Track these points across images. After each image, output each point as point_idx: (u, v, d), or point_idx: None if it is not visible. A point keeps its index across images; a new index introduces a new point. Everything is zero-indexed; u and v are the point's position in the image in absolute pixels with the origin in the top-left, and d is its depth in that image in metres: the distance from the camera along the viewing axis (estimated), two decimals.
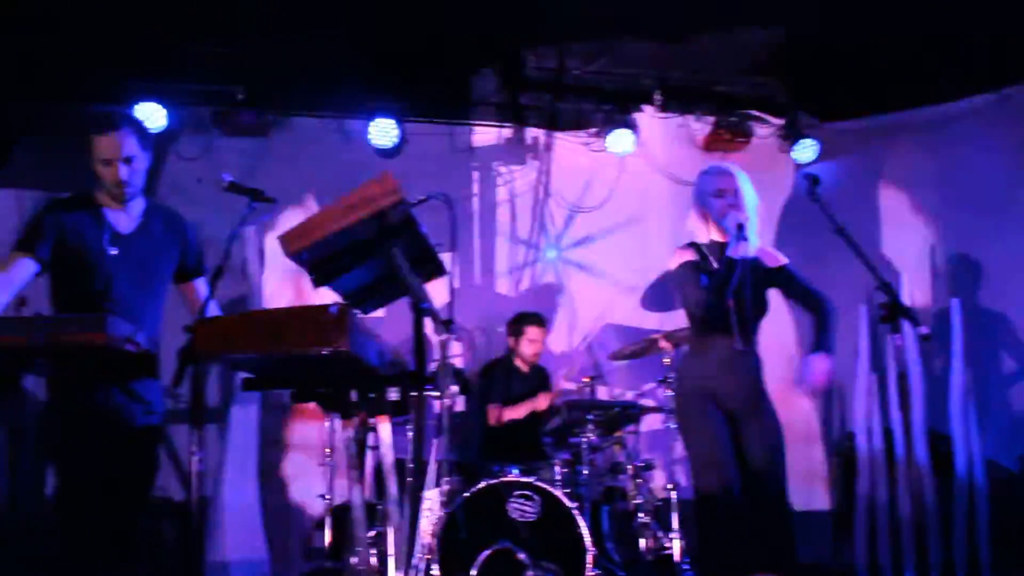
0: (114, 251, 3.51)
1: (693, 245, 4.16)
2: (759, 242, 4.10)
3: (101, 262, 3.49)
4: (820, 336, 4.02)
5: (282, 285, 6.46)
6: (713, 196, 4.06)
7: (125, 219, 3.62)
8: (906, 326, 3.36)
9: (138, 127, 3.56)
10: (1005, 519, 5.74)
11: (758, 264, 4.10)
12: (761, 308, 4.11)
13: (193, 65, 6.32)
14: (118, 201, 3.58)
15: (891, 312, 3.28)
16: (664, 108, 7.05)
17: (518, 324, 6.28)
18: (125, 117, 3.58)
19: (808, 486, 6.61)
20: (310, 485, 6.38)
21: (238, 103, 6.38)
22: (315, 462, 6.28)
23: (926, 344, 5.84)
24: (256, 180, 6.46)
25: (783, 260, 4.20)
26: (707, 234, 4.14)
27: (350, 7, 5.84)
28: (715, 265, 4.01)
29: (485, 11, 5.95)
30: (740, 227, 3.89)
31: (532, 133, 7.11)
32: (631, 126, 6.86)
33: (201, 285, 3.84)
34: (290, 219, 5.14)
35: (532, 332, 6.23)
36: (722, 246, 3.99)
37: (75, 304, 3.46)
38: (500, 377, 6.18)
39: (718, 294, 3.89)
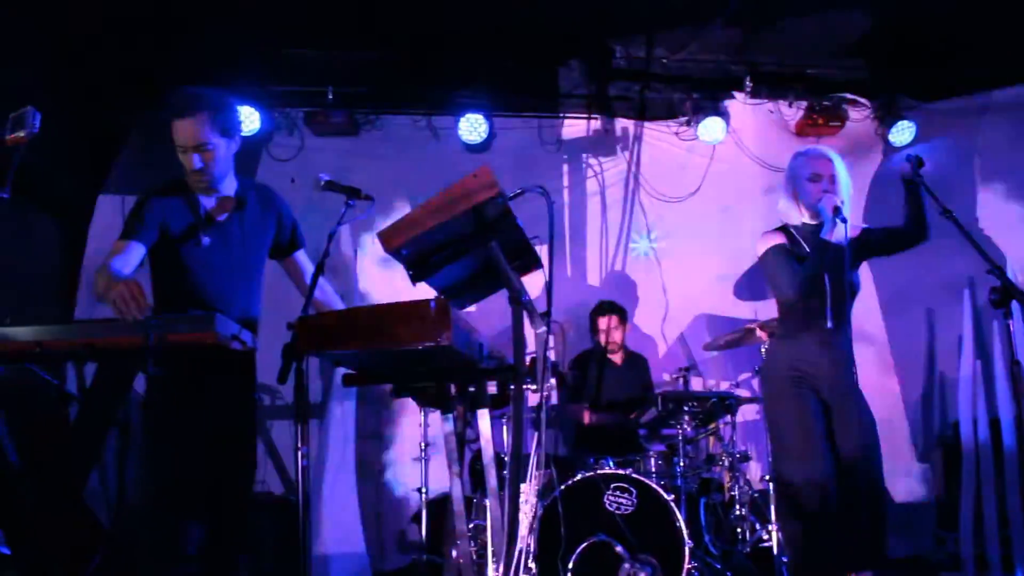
0: (208, 240, 3.42)
1: (783, 228, 4.10)
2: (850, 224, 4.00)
3: (196, 254, 3.40)
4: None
5: (377, 282, 6.55)
6: (808, 180, 4.00)
7: (219, 204, 3.51)
8: (1018, 310, 3.24)
9: (215, 111, 3.31)
10: None
11: (849, 244, 4.00)
12: (853, 289, 4.03)
13: (284, 68, 6.44)
14: (202, 189, 3.46)
15: (1003, 296, 3.16)
16: (755, 94, 6.93)
17: (591, 315, 6.26)
18: (201, 100, 3.31)
19: (908, 476, 6.44)
20: (406, 479, 6.47)
21: (328, 104, 6.49)
22: (411, 456, 6.36)
23: None
24: (348, 179, 6.57)
25: (862, 226, 4.11)
26: (798, 217, 4.08)
27: (434, 3, 5.87)
28: (806, 248, 3.95)
29: (571, 2, 5.92)
30: (837, 209, 3.81)
31: (621, 124, 7.07)
32: (722, 114, 6.77)
33: (304, 259, 3.75)
34: (381, 217, 5.19)
35: (602, 322, 6.19)
36: (814, 229, 3.93)
37: (175, 297, 3.36)
38: (592, 370, 6.15)
39: (813, 277, 3.82)
